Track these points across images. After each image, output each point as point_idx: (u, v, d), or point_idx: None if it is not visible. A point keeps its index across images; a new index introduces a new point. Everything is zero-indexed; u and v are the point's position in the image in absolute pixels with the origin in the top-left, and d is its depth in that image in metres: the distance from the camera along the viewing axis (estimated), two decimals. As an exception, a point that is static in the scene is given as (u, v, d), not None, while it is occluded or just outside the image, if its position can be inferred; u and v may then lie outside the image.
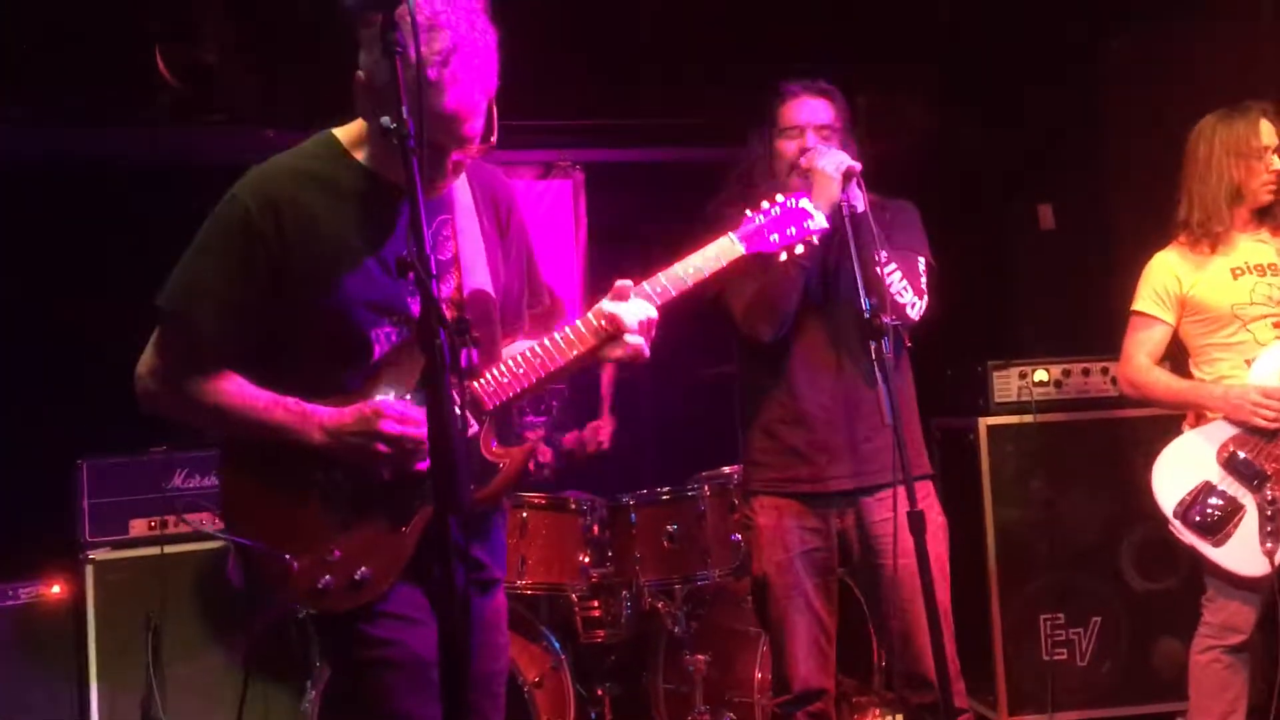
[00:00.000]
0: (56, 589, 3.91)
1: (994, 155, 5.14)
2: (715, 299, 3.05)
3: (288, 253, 2.08)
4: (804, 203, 2.46)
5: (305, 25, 4.22)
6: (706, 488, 4.01)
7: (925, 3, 4.97)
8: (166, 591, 3.87)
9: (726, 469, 4.09)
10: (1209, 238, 3.38)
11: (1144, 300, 3.46)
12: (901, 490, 2.67)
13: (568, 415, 4.56)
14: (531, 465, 2.39)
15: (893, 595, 2.97)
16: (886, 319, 2.68)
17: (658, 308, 2.24)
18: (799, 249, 2.45)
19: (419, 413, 2.05)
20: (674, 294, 2.27)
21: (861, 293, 2.71)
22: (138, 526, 3.98)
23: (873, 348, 2.68)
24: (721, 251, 2.35)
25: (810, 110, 3.08)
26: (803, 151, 3.02)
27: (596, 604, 4.14)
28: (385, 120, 1.83)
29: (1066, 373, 4.38)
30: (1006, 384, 4.34)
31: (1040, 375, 4.35)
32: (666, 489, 4.07)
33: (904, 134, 4.88)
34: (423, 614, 2.13)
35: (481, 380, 2.18)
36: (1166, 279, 3.42)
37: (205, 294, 2.09)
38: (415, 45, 1.82)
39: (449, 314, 2.04)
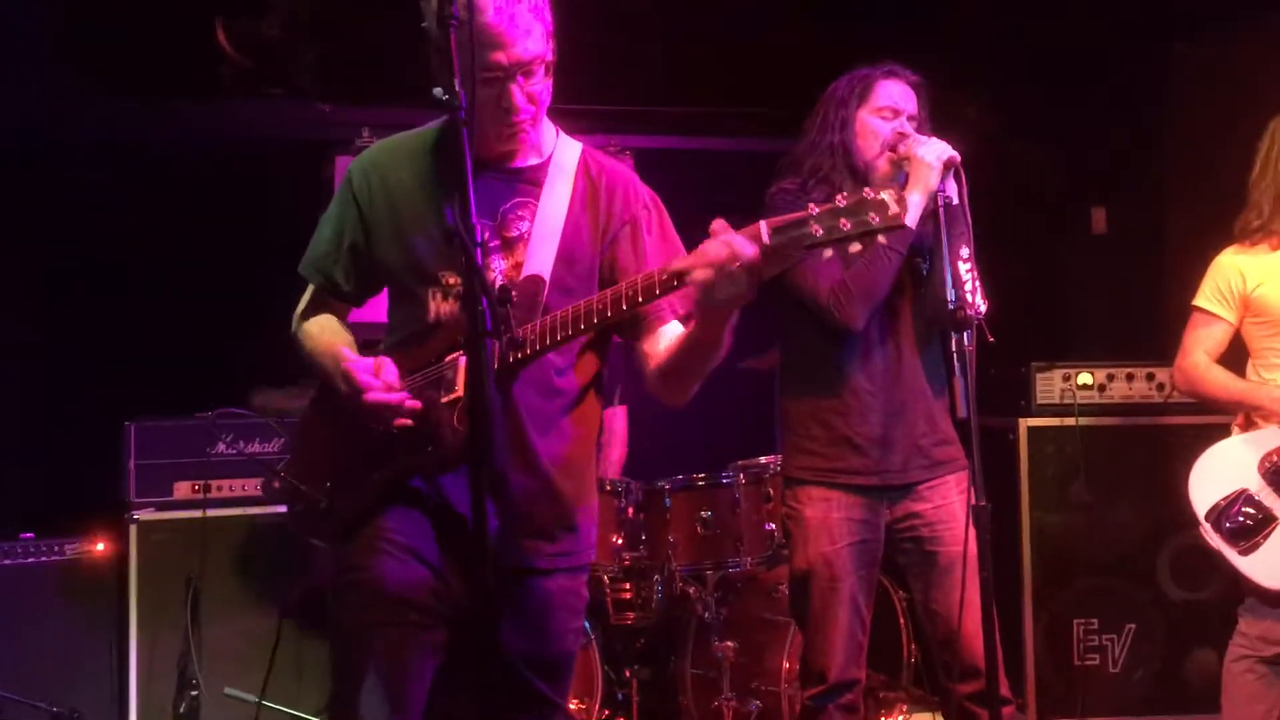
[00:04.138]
0: (101, 546, 3.99)
1: (1049, 157, 5.09)
2: (783, 281, 2.93)
3: (374, 210, 2.32)
4: (885, 195, 1.92)
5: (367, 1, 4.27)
6: (742, 476, 4.02)
7: (984, 4, 4.93)
8: (207, 554, 3.94)
9: (763, 459, 4.10)
10: (1268, 237, 3.32)
11: (1205, 297, 3.40)
12: (967, 478, 2.66)
13: None
14: None
15: (946, 582, 2.95)
16: (971, 312, 2.65)
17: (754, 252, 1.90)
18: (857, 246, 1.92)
19: (392, 373, 2.15)
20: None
21: (948, 285, 2.65)
22: (181, 489, 4.05)
23: (954, 340, 2.65)
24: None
25: (905, 95, 3.02)
26: (899, 136, 2.94)
27: (628, 586, 4.17)
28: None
29: (1111, 377, 4.33)
30: (1049, 386, 4.31)
31: (1084, 379, 4.31)
32: (702, 475, 4.08)
33: (959, 133, 4.85)
34: (402, 550, 2.21)
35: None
36: (1231, 276, 3.36)
37: (321, 255, 2.37)
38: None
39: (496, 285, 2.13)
